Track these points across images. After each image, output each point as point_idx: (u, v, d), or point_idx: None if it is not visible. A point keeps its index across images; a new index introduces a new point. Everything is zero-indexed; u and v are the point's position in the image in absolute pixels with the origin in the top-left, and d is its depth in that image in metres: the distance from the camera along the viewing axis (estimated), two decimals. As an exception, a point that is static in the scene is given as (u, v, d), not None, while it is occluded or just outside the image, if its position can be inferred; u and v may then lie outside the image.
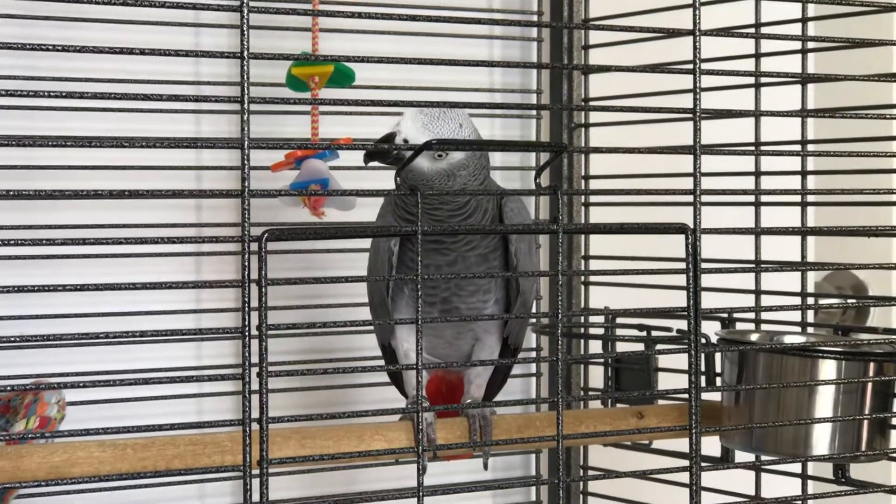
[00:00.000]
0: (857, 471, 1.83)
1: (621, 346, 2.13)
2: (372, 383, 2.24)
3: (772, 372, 1.73)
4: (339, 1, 2.16)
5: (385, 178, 1.73)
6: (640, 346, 2.06)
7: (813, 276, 2.42)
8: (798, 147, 2.10)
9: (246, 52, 1.24)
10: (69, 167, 2.04)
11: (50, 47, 1.24)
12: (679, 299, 1.51)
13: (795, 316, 2.11)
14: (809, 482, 2.03)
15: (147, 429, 1.31)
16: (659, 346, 2.01)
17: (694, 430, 1.46)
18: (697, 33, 1.47)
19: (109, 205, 2.09)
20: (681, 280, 1.47)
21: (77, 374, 1.99)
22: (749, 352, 1.76)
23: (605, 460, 2.32)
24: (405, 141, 1.65)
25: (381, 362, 1.93)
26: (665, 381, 2.04)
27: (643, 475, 1.67)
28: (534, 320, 2.26)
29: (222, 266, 2.21)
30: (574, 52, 2.40)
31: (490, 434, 1.70)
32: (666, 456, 2.06)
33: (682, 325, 1.93)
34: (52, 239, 1.27)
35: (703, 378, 1.84)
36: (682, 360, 1.52)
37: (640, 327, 2.07)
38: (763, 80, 2.12)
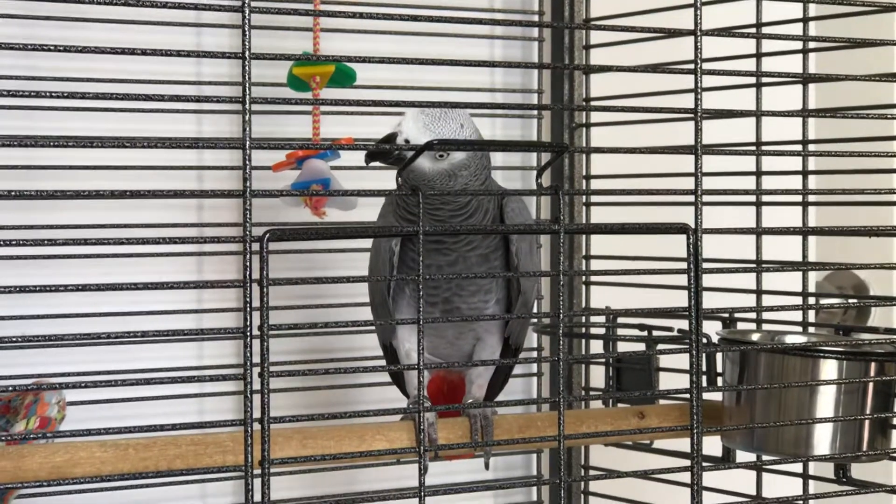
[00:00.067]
0: (859, 471, 1.83)
1: (622, 346, 2.13)
2: (373, 383, 2.24)
3: (773, 372, 1.73)
4: (340, 1, 2.16)
5: (386, 178, 1.73)
6: (641, 346, 2.06)
7: (814, 276, 2.42)
8: (799, 147, 2.10)
9: (247, 53, 1.24)
10: (70, 167, 2.04)
11: (51, 47, 1.24)
12: (680, 299, 1.51)
13: (796, 316, 2.11)
14: (811, 482, 2.03)
15: (149, 429, 1.31)
16: (660, 346, 2.01)
17: (695, 430, 1.46)
18: (699, 33, 1.47)
19: (111, 205, 2.09)
20: (682, 280, 1.47)
21: (78, 374, 1.99)
22: (750, 352, 1.76)
23: (606, 460, 2.32)
24: (406, 141, 1.65)
25: (383, 362, 1.93)
26: (666, 381, 2.04)
27: (644, 475, 1.67)
28: (535, 320, 2.26)
29: (224, 266, 2.21)
30: (575, 52, 2.40)
31: (491, 434, 1.70)
32: (667, 456, 2.06)
33: (684, 324, 1.93)
34: (54, 239, 1.28)
35: (704, 378, 1.84)
36: (683, 360, 1.52)
37: (641, 327, 2.07)
38: (764, 79, 2.11)
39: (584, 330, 2.36)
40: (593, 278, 2.40)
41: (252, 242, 1.25)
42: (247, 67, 1.25)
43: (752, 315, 2.09)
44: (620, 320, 2.14)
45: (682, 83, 1.65)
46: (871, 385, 1.71)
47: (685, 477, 1.49)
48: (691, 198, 1.48)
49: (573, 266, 2.39)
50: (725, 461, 1.89)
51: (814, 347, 1.73)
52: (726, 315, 1.95)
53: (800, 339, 1.87)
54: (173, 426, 1.34)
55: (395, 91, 2.24)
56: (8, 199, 1.24)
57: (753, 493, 2.09)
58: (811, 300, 2.15)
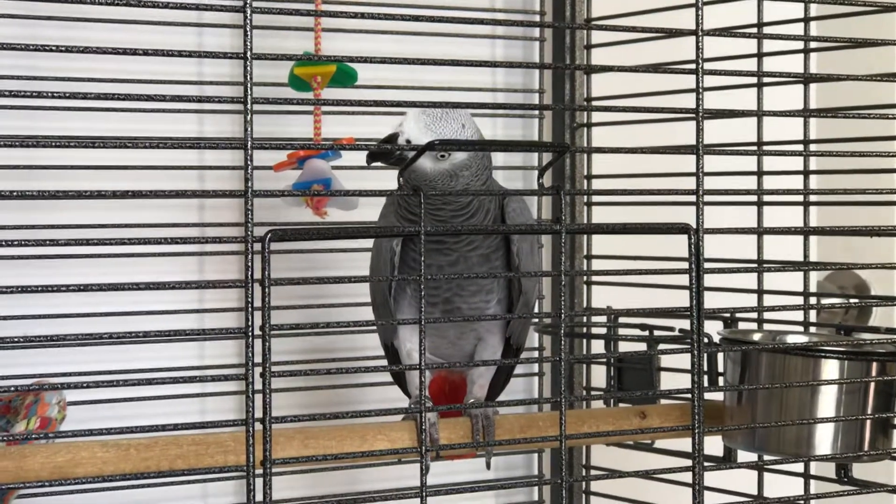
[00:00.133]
0: (860, 470, 1.83)
1: (624, 346, 2.13)
2: (375, 383, 2.24)
3: (774, 372, 1.73)
4: (341, 1, 2.16)
5: (387, 178, 1.73)
6: (642, 346, 2.06)
7: (815, 276, 2.42)
8: (800, 147, 2.10)
9: (249, 53, 1.24)
10: (72, 167, 2.04)
11: (52, 48, 1.24)
12: (682, 299, 1.51)
13: (798, 316, 2.11)
14: (812, 482, 2.03)
15: (150, 429, 1.31)
16: (661, 346, 2.01)
17: (697, 430, 1.46)
18: (700, 33, 1.47)
19: (112, 205, 2.09)
20: (683, 280, 1.47)
21: (80, 374, 1.99)
22: (752, 351, 1.76)
23: (607, 460, 2.32)
24: (408, 141, 1.65)
25: (384, 362, 1.93)
26: (668, 381, 2.04)
27: (646, 475, 1.67)
28: (536, 320, 2.26)
29: (225, 266, 2.21)
30: (576, 52, 2.40)
31: (493, 434, 1.70)
32: (669, 455, 2.06)
33: (685, 324, 1.94)
34: (55, 239, 1.28)
35: (705, 378, 1.84)
36: (684, 360, 1.52)
37: (642, 327, 2.07)
38: (765, 79, 2.11)
39: (585, 330, 2.36)
40: (594, 278, 2.40)
41: (254, 242, 1.25)
42: (248, 67, 1.25)
43: (754, 315, 2.09)
44: (622, 320, 2.14)
45: (684, 83, 1.65)
46: (872, 385, 1.71)
47: (687, 477, 1.49)
48: (692, 198, 1.48)
49: (574, 266, 2.39)
50: (727, 461, 1.89)
51: (815, 347, 1.73)
52: (728, 315, 1.95)
53: (801, 339, 1.87)
54: (175, 426, 1.34)
55: (397, 91, 2.24)
56: (9, 199, 1.24)
57: (755, 493, 2.09)
58: (812, 300, 2.14)
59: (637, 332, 2.08)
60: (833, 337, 1.95)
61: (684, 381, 1.57)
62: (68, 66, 2.04)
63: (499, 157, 2.39)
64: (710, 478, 1.56)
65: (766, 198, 2.14)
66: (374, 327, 1.95)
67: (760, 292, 2.14)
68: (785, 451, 1.73)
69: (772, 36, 1.78)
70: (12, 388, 1.77)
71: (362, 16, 1.35)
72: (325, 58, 1.95)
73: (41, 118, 2.03)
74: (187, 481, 2.07)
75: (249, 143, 1.25)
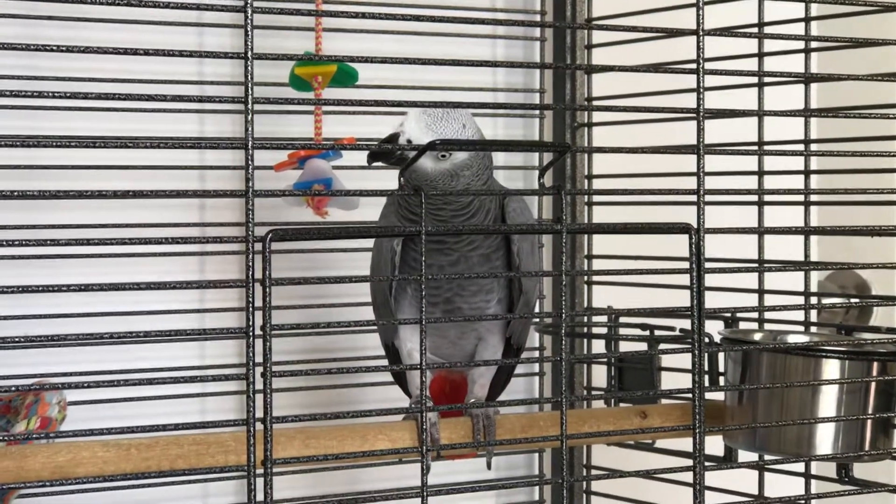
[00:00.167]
0: (861, 470, 1.83)
1: (625, 346, 2.13)
2: (375, 383, 2.24)
3: (775, 371, 1.73)
4: (342, 1, 2.16)
5: (388, 178, 1.73)
6: (643, 346, 2.06)
7: (816, 276, 2.42)
8: (801, 146, 2.10)
9: (250, 53, 1.24)
10: (73, 167, 2.04)
11: (53, 47, 1.24)
12: (682, 299, 1.51)
13: (799, 315, 2.11)
14: (813, 482, 2.03)
15: (151, 429, 1.31)
16: (662, 346, 2.01)
17: (697, 430, 1.46)
18: (701, 33, 1.47)
19: (113, 205, 2.09)
20: (684, 279, 1.47)
21: (80, 373, 1.99)
22: (752, 351, 1.76)
23: (608, 460, 2.32)
24: (409, 141, 1.64)
25: (385, 362, 1.93)
26: (668, 381, 2.04)
27: (647, 475, 1.67)
28: (537, 320, 2.26)
29: (226, 266, 2.21)
30: (577, 52, 2.40)
31: (494, 434, 1.70)
32: (669, 455, 2.06)
33: (686, 324, 1.94)
34: (56, 239, 1.28)
35: (706, 378, 1.84)
36: (685, 360, 1.52)
37: (643, 327, 2.07)
38: (766, 79, 2.11)
39: (586, 330, 2.36)
40: (595, 278, 2.40)
41: (254, 242, 1.25)
42: (249, 67, 1.25)
43: (755, 315, 2.09)
44: (622, 320, 2.14)
45: (684, 83, 1.65)
46: (873, 385, 1.71)
47: (687, 476, 1.49)
48: (693, 197, 1.48)
49: (575, 266, 2.39)
50: (728, 461, 1.89)
51: (816, 347, 1.73)
52: (728, 315, 1.95)
53: (802, 339, 1.87)
54: (175, 426, 1.34)
55: (397, 91, 2.24)
56: (10, 198, 1.24)
57: (756, 492, 2.09)
58: (813, 300, 2.14)
59: (638, 331, 2.08)
60: (834, 337, 1.95)
61: (685, 381, 1.57)
62: (69, 65, 2.04)
63: (499, 157, 2.39)
64: (711, 477, 1.56)
65: (767, 197, 2.14)
66: (375, 327, 1.95)
67: (761, 292, 2.14)
68: (786, 451, 1.73)
69: (773, 36, 1.78)
70: (13, 388, 1.77)
71: (363, 15, 1.35)
72: (325, 58, 1.96)
73: (42, 118, 2.03)
74: (188, 481, 2.07)
75: (250, 142, 1.25)
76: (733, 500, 1.94)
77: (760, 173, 2.14)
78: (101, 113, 2.05)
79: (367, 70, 2.02)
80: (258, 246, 1.26)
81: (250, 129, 1.25)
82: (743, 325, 2.02)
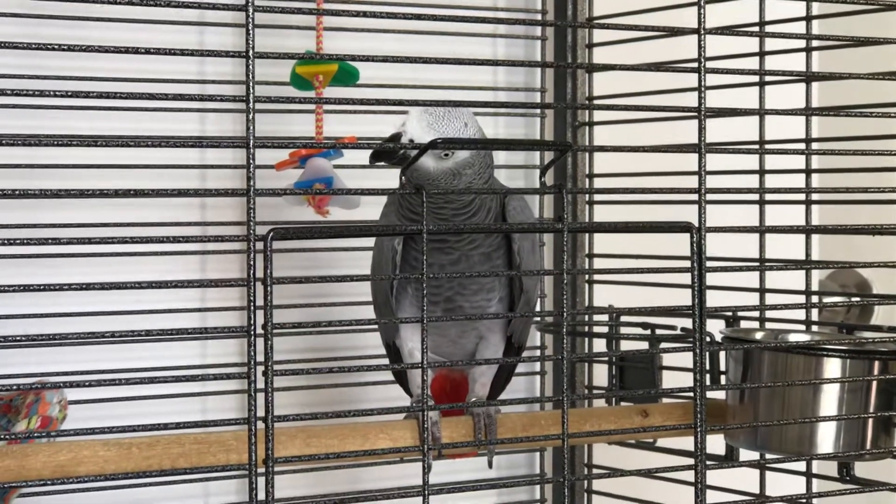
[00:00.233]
0: (862, 469, 1.83)
1: (626, 345, 2.13)
2: (376, 382, 2.24)
3: (776, 370, 1.73)
4: (343, 0, 2.16)
5: (389, 177, 1.73)
6: (644, 345, 2.06)
7: (817, 275, 2.42)
8: (802, 145, 2.10)
9: (251, 52, 1.24)
10: (74, 166, 2.04)
11: (55, 47, 1.24)
12: (684, 298, 1.51)
13: (800, 314, 2.11)
14: (814, 480, 2.03)
15: (152, 428, 1.31)
16: (663, 345, 2.01)
17: (699, 429, 1.46)
18: (702, 32, 1.47)
19: (114, 204, 2.09)
20: (685, 278, 1.47)
21: (81, 372, 1.99)
22: (754, 350, 1.76)
23: (609, 459, 2.32)
24: (411, 141, 1.64)
25: (386, 361, 1.93)
26: (669, 380, 2.04)
27: (648, 473, 1.67)
28: (538, 319, 2.26)
29: (227, 265, 2.21)
30: (578, 51, 2.40)
31: (495, 432, 1.70)
32: (670, 454, 2.06)
33: (687, 323, 1.94)
34: (57, 238, 1.28)
35: (707, 376, 1.84)
36: (686, 359, 1.52)
37: (644, 325, 2.07)
38: (767, 78, 2.11)
39: (587, 328, 2.36)
40: (596, 277, 2.40)
41: (256, 241, 1.25)
42: (250, 66, 1.25)
43: (756, 313, 2.09)
44: (624, 319, 2.14)
45: (686, 82, 1.65)
46: (874, 383, 1.71)
47: (689, 475, 1.49)
48: (694, 196, 1.48)
49: (576, 264, 2.39)
50: (729, 460, 1.89)
51: (817, 346, 1.73)
52: (730, 313, 1.95)
53: (803, 338, 1.87)
54: (177, 425, 1.34)
55: (398, 90, 2.24)
56: (11, 197, 1.24)
57: (757, 491, 2.09)
58: (814, 298, 2.14)
59: (639, 330, 2.08)
60: (835, 336, 1.95)
61: (686, 380, 1.57)
62: (70, 65, 2.04)
63: (501, 156, 2.39)
64: (713, 476, 1.56)
65: (768, 196, 2.14)
66: (376, 326, 1.95)
67: (762, 291, 2.14)
68: (787, 450, 1.73)
69: (774, 34, 1.78)
70: (13, 387, 1.77)
71: (364, 14, 1.35)
72: (326, 56, 1.95)
73: (43, 117, 2.03)
74: (189, 480, 2.07)
75: (251, 141, 1.25)
76: (735, 499, 1.94)
77: (762, 172, 2.14)
78: (102, 112, 2.05)
79: (369, 69, 2.02)
80: (259, 245, 1.26)
81: (251, 128, 1.25)
82: (744, 324, 2.02)
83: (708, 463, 1.47)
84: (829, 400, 1.70)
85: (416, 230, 1.39)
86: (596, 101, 2.37)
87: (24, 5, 2.01)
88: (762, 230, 2.10)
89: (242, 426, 1.28)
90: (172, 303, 2.12)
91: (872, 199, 1.90)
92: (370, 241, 1.88)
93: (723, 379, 1.84)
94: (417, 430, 1.64)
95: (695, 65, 1.47)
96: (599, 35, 2.41)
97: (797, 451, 1.73)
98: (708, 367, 1.86)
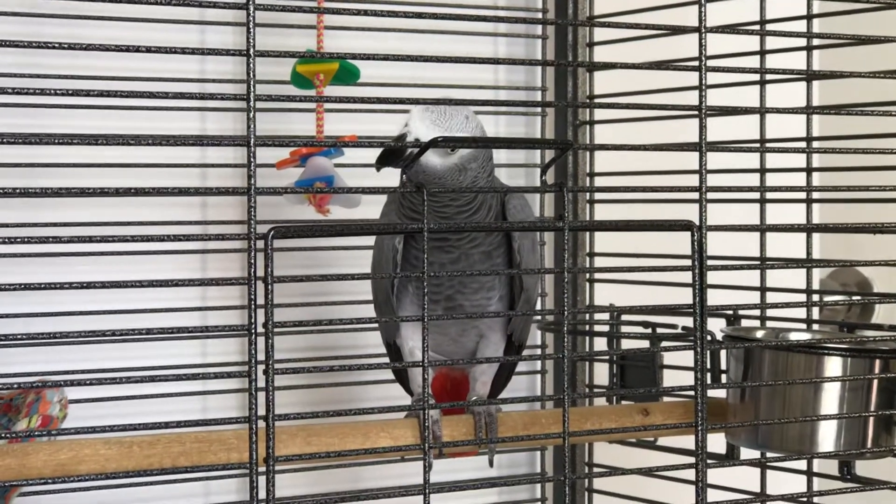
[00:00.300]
0: (863, 468, 1.83)
1: (626, 344, 2.13)
2: (377, 381, 2.24)
3: (777, 369, 1.73)
4: (344, -2, 2.16)
5: (389, 176, 1.73)
6: (645, 343, 2.06)
7: (818, 273, 2.42)
8: (803, 144, 2.10)
9: (252, 50, 1.24)
10: (75, 165, 2.04)
11: (56, 45, 1.24)
12: (684, 296, 1.51)
13: (801, 313, 2.11)
14: (815, 479, 2.03)
15: (153, 426, 1.31)
16: (664, 343, 2.01)
17: (700, 427, 1.46)
18: (703, 30, 1.47)
19: (115, 202, 2.09)
20: (686, 277, 1.47)
21: (82, 371, 1.99)
22: (755, 349, 1.75)
23: (610, 457, 2.32)
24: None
25: (386, 360, 1.93)
26: (670, 378, 2.04)
27: (649, 472, 1.67)
28: (539, 317, 2.26)
29: (228, 264, 2.21)
30: (579, 50, 2.40)
31: (496, 431, 1.70)
32: (671, 453, 2.06)
33: (688, 322, 1.93)
34: (58, 237, 1.28)
35: (708, 375, 1.84)
36: (687, 357, 1.52)
37: (645, 324, 2.07)
38: (768, 76, 2.11)
39: (588, 327, 2.36)
40: (597, 275, 2.40)
41: (256, 240, 1.25)
42: (251, 65, 1.24)
43: (757, 312, 2.09)
44: (624, 317, 2.14)
45: (686, 80, 1.65)
46: (875, 382, 1.71)
47: (689, 474, 1.49)
48: (695, 195, 1.48)
49: (577, 263, 2.39)
50: (730, 458, 1.89)
51: (818, 344, 1.73)
52: (730, 312, 1.95)
53: (804, 337, 1.87)
54: (178, 424, 1.34)
55: (399, 88, 2.23)
56: (12, 196, 1.24)
57: (758, 490, 2.08)
58: (815, 297, 2.14)
59: (640, 329, 2.08)
60: (836, 334, 1.95)
61: (687, 379, 1.57)
62: (71, 63, 2.04)
63: (502, 155, 2.39)
64: (713, 475, 1.56)
65: (769, 195, 2.14)
66: (377, 325, 1.95)
67: (763, 289, 2.14)
68: (788, 449, 1.73)
69: (775, 33, 1.78)
70: (14, 386, 1.77)
71: (365, 13, 1.35)
72: (327, 55, 1.95)
73: (44, 116, 2.03)
74: (190, 479, 2.07)
75: (252, 140, 1.25)
76: (735, 497, 1.94)
77: (762, 171, 2.14)
78: (102, 111, 2.05)
79: (369, 68, 2.02)
80: (260, 243, 1.26)
81: (252, 126, 1.25)
82: (745, 323, 2.02)
83: (709, 462, 1.47)
84: (830, 398, 1.70)
85: (417, 229, 1.39)
86: (597, 100, 2.36)
87: (24, 4, 2.01)
88: (763, 229, 2.10)
89: (243, 425, 1.28)
90: (173, 302, 2.12)
91: (873, 197, 1.89)
92: (371, 240, 1.88)
93: (723, 378, 1.84)
94: (418, 429, 1.64)
95: (695, 63, 1.47)
96: (600, 34, 2.41)
97: (798, 449, 1.73)
98: (709, 366, 1.86)
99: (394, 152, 1.59)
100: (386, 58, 1.36)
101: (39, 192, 1.25)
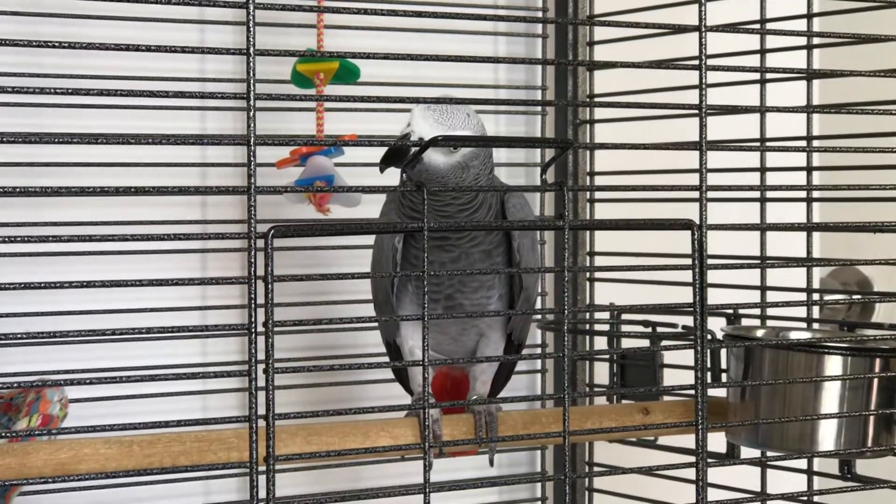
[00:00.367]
0: (863, 467, 1.83)
1: (627, 343, 2.13)
2: (377, 380, 2.24)
3: (777, 368, 1.73)
4: (344, -3, 2.16)
5: (389, 175, 1.73)
6: (645, 343, 2.06)
7: (818, 272, 2.42)
8: (804, 143, 2.10)
9: (252, 49, 1.24)
10: (75, 164, 2.04)
11: (56, 44, 1.24)
12: (685, 295, 1.51)
13: (801, 312, 2.11)
14: (815, 478, 2.03)
15: (153, 425, 1.31)
16: (664, 343, 2.01)
17: (700, 427, 1.46)
18: (703, 29, 1.47)
19: (115, 202, 2.09)
20: (686, 276, 1.47)
21: (82, 370, 1.99)
22: (755, 348, 1.75)
23: (610, 456, 2.32)
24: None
25: (386, 359, 1.93)
26: (671, 378, 2.04)
27: (649, 471, 1.67)
28: (539, 317, 2.26)
29: (228, 263, 2.21)
30: (579, 49, 2.40)
31: (496, 430, 1.70)
32: (672, 452, 2.05)
33: (688, 321, 1.93)
34: (58, 236, 1.28)
35: (708, 374, 1.84)
36: (687, 357, 1.52)
37: (645, 323, 2.07)
38: (768, 75, 2.11)
39: (588, 326, 2.36)
40: (597, 274, 2.40)
41: (256, 239, 1.25)
42: (251, 64, 1.24)
43: (757, 311, 2.09)
44: (625, 316, 2.14)
45: (687, 79, 1.65)
46: (875, 381, 1.71)
47: (690, 473, 1.49)
48: (696, 194, 1.48)
49: (577, 262, 2.39)
50: (730, 457, 1.89)
51: (818, 343, 1.73)
52: (731, 311, 1.95)
53: (804, 335, 1.87)
54: (178, 423, 1.34)
55: (399, 87, 2.23)
56: (12, 195, 1.24)
57: (758, 489, 2.08)
58: (815, 296, 2.14)
59: (640, 328, 2.08)
60: (836, 333, 1.95)
61: (687, 378, 1.57)
62: (71, 62, 2.04)
63: (502, 154, 2.39)
64: (714, 474, 1.56)
65: (770, 194, 2.14)
66: (377, 324, 1.95)
67: (763, 289, 2.14)
68: (788, 448, 1.73)
69: (775, 32, 1.77)
70: (14, 385, 1.77)
71: (365, 12, 1.35)
72: (327, 54, 1.95)
73: (44, 115, 2.02)
74: (190, 478, 2.07)
75: (252, 139, 1.25)
76: (736, 496, 1.93)
77: (763, 170, 2.14)
78: (102, 110, 2.04)
79: (370, 67, 2.02)
80: (260, 243, 1.26)
81: (252, 125, 1.25)
82: (745, 322, 2.02)
83: (709, 461, 1.47)
84: (831, 397, 1.70)
85: (417, 228, 1.39)
86: (597, 99, 2.36)
87: (24, 3, 2.01)
88: (763, 228, 2.10)
89: (243, 424, 1.28)
90: (173, 301, 2.12)
91: (873, 196, 1.89)
92: (371, 239, 1.88)
93: (724, 377, 1.84)
94: (418, 428, 1.64)
95: (696, 62, 1.47)
96: (600, 32, 2.41)
97: (798, 448, 1.73)
98: (709, 365, 1.86)
99: (397, 152, 1.59)
100: (386, 57, 1.36)
101: (39, 192, 1.25)
